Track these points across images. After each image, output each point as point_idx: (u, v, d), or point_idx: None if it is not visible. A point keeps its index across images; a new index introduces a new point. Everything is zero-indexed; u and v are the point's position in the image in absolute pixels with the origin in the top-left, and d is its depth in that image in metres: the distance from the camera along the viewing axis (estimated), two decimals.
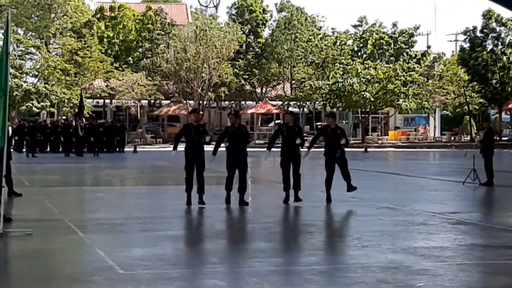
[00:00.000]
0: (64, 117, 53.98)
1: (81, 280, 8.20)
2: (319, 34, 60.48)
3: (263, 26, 63.79)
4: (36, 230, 11.31)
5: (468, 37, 59.07)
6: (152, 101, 59.30)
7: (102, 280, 8.15)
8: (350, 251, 10.12)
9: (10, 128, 35.67)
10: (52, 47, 61.07)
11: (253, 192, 14.74)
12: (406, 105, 54.49)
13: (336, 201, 14.86)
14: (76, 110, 44.47)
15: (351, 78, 53.12)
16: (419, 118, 65.41)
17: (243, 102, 63.38)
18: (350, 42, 64.38)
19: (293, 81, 60.15)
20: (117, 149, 40.74)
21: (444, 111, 65.86)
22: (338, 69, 55.68)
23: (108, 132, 40.04)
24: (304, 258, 9.57)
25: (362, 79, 53.24)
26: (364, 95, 52.56)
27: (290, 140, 14.63)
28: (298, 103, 56.78)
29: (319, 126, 58.97)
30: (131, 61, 60.06)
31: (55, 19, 61.37)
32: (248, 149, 14.91)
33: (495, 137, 22.35)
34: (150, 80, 55.74)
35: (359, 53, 63.43)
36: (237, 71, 58.65)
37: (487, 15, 57.90)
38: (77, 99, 47.46)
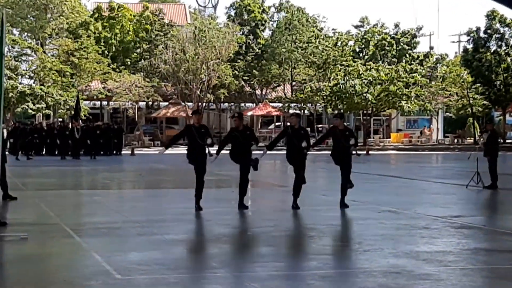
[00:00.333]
0: (60, 119, 54.02)
1: (77, 285, 8.20)
2: (320, 35, 60.50)
3: (263, 27, 63.80)
4: (32, 234, 11.30)
5: (472, 38, 59.15)
6: (150, 103, 59.27)
7: (98, 285, 8.15)
8: (351, 256, 10.12)
9: (4, 131, 35.75)
10: (48, 48, 61.06)
11: (253, 196, 14.71)
12: (409, 107, 54.56)
13: (337, 205, 14.84)
14: (73, 112, 44.43)
15: (352, 80, 53.16)
16: (422, 120, 65.44)
17: (242, 104, 63.33)
18: (351, 43, 64.42)
19: (294, 83, 60.16)
20: (114, 152, 40.77)
21: (447, 113, 65.87)
22: (340, 71, 55.71)
23: (105, 135, 40.07)
24: (305, 263, 9.57)
25: (363, 80, 53.28)
26: (366, 97, 52.60)
27: (295, 143, 14.42)
28: (299, 105, 56.78)
29: (319, 129, 59.11)
30: (129, 62, 60.04)
31: (51, 19, 61.35)
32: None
33: (499, 140, 22.35)
34: (148, 82, 55.74)
35: (361, 54, 63.45)
36: (237, 73, 58.64)
37: (491, 16, 57.98)
38: (73, 101, 47.41)
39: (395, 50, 63.69)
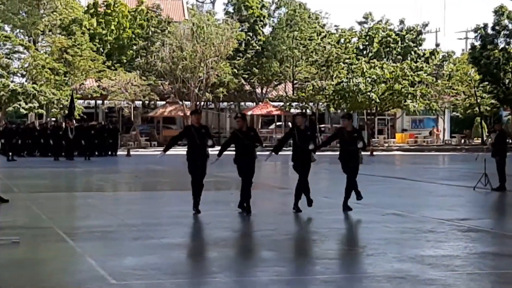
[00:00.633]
0: (54, 119, 54.01)
1: None
2: (322, 31, 60.50)
3: (262, 23, 63.74)
4: (24, 238, 11.31)
5: (479, 35, 59.04)
6: (147, 102, 59.28)
7: None
8: (355, 260, 10.12)
9: None
10: (40, 45, 61.08)
11: (254, 198, 14.70)
12: (414, 106, 54.55)
13: (339, 208, 14.84)
14: (66, 111, 44.45)
15: (356, 78, 53.17)
16: (428, 120, 65.44)
17: (242, 103, 63.33)
18: (355, 40, 64.42)
19: (295, 81, 60.15)
20: (110, 153, 40.79)
21: (454, 113, 65.90)
22: (343, 69, 55.72)
23: (100, 135, 40.08)
24: (308, 267, 9.58)
25: (367, 79, 53.29)
26: (370, 96, 52.60)
27: (301, 145, 14.35)
28: (301, 104, 56.78)
29: (322, 129, 59.12)
30: (125, 60, 60.07)
31: (44, 15, 61.33)
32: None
33: (507, 140, 22.34)
34: (144, 80, 55.72)
35: (365, 52, 63.48)
36: (236, 71, 58.59)
37: (499, 12, 57.91)
38: (67, 100, 47.44)
39: (400, 47, 63.71)
